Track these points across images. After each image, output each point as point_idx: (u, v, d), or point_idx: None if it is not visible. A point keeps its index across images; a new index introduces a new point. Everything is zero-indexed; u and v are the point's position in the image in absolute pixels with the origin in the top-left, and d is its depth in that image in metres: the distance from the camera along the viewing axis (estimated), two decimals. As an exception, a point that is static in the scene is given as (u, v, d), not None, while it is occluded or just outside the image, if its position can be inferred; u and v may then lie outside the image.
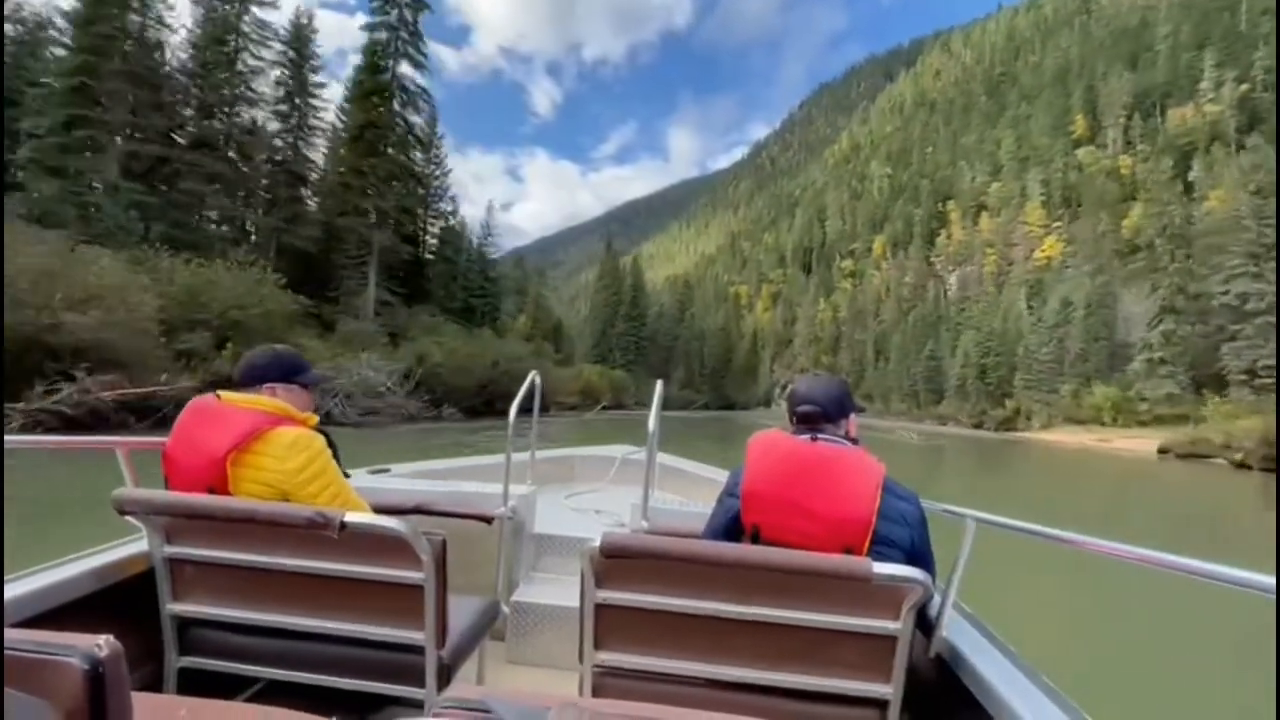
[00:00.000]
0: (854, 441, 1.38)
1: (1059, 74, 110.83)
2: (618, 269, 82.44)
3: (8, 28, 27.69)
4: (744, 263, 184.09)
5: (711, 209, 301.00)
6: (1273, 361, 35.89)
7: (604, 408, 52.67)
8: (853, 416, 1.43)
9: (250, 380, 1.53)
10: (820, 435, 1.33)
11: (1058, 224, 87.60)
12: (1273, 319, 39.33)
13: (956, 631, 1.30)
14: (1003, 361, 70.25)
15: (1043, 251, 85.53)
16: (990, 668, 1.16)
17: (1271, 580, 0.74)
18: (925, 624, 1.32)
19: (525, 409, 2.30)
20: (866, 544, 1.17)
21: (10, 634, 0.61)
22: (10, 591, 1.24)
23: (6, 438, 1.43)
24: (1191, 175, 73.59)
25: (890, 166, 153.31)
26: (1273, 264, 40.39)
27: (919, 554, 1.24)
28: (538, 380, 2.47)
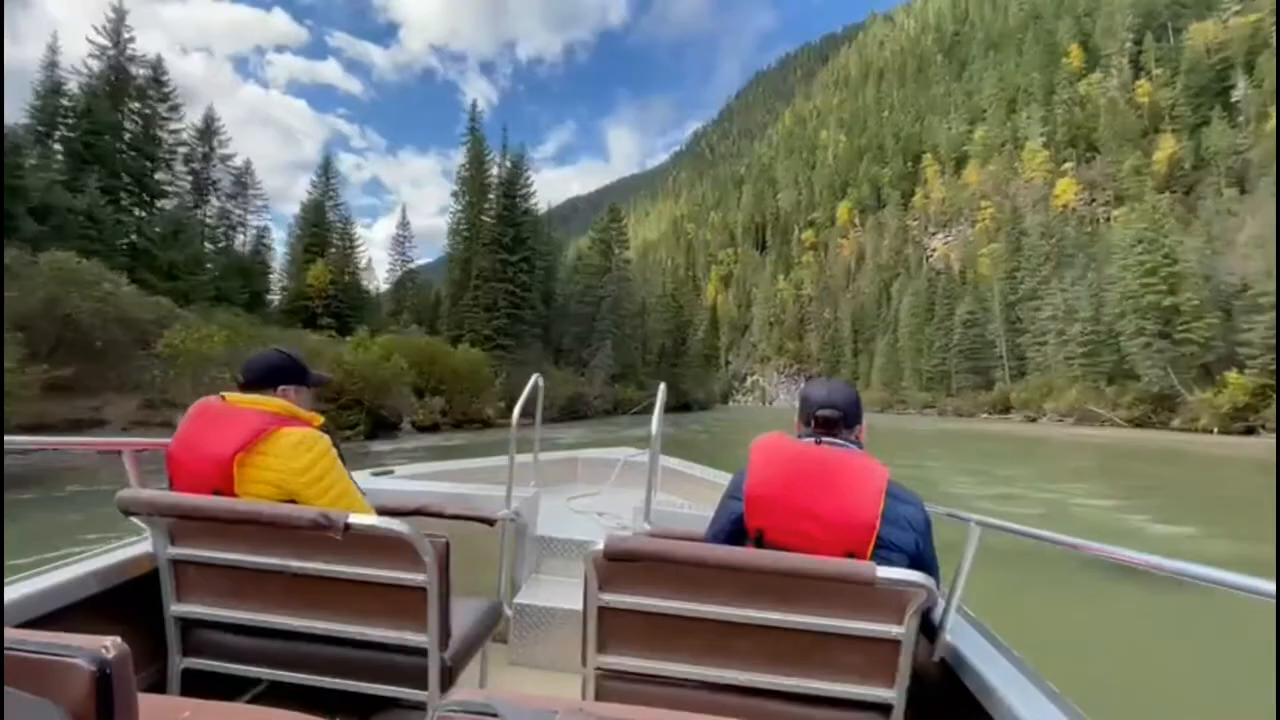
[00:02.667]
0: (860, 446, 1.36)
1: (1031, 13, 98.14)
2: (483, 171, 42.78)
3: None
4: (689, 245, 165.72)
5: (651, 199, 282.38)
6: None
7: (426, 427, 23.59)
8: (865, 422, 1.42)
9: (266, 381, 1.51)
10: (826, 439, 1.31)
11: (1067, 164, 73.03)
12: None
13: (960, 636, 1.29)
14: (1199, 305, 36.47)
15: (1057, 197, 70.49)
16: (994, 672, 1.15)
17: (1271, 586, 0.75)
18: (929, 628, 1.32)
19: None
20: (870, 548, 1.16)
21: (17, 635, 0.61)
22: (16, 592, 1.25)
23: (14, 438, 1.48)
24: (1235, 96, 60.27)
25: (844, 133, 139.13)
26: None
27: (923, 558, 1.22)
28: (540, 382, 2.42)
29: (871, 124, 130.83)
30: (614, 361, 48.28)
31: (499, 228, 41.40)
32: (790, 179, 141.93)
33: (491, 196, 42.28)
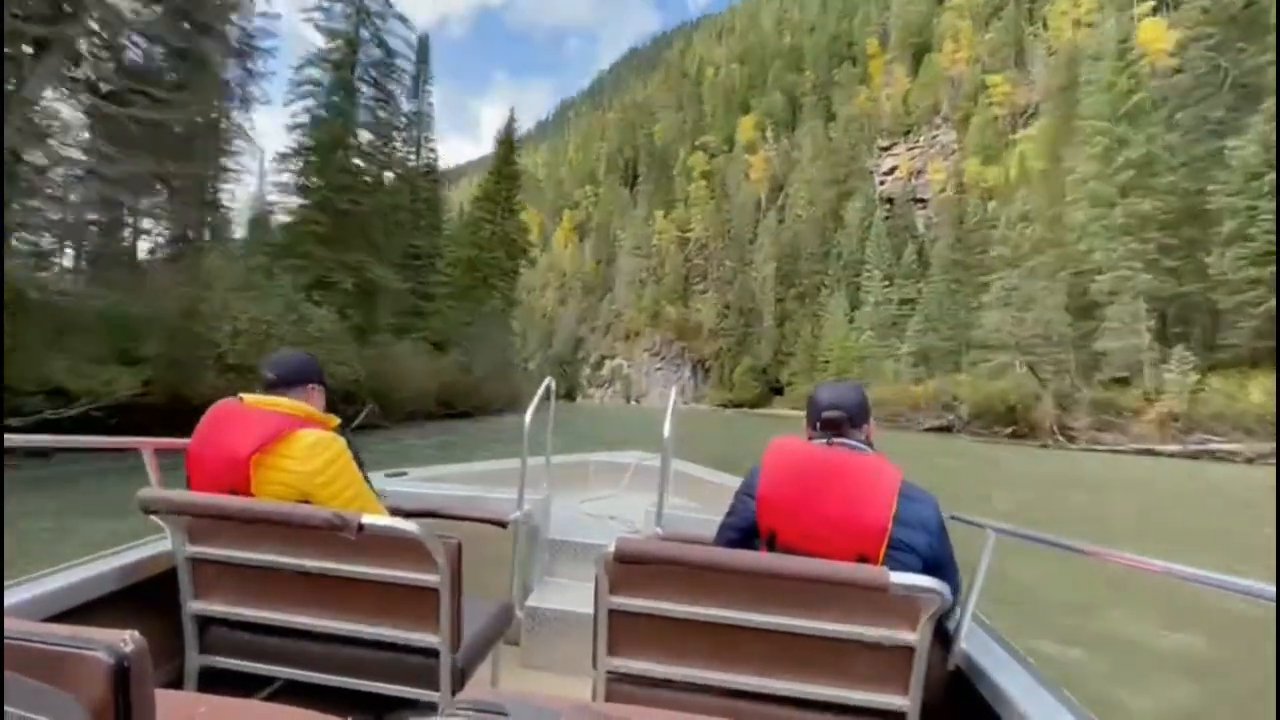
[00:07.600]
0: (870, 445, 1.36)
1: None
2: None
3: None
4: (539, 188, 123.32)
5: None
6: None
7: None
8: (872, 421, 1.41)
9: (298, 381, 1.53)
10: (838, 440, 1.31)
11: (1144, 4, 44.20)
12: None
13: (976, 644, 1.29)
14: None
15: (1148, 46, 40.60)
16: (1010, 681, 1.14)
17: (1272, 589, 0.77)
18: (944, 635, 1.30)
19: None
20: (883, 550, 1.15)
21: (39, 628, 0.63)
22: (39, 588, 1.29)
23: (38, 435, 1.56)
24: None
25: (737, 64, 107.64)
26: None
27: (938, 560, 1.20)
28: (553, 385, 2.48)
29: (772, 47, 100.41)
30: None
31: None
32: (673, 102, 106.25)
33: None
